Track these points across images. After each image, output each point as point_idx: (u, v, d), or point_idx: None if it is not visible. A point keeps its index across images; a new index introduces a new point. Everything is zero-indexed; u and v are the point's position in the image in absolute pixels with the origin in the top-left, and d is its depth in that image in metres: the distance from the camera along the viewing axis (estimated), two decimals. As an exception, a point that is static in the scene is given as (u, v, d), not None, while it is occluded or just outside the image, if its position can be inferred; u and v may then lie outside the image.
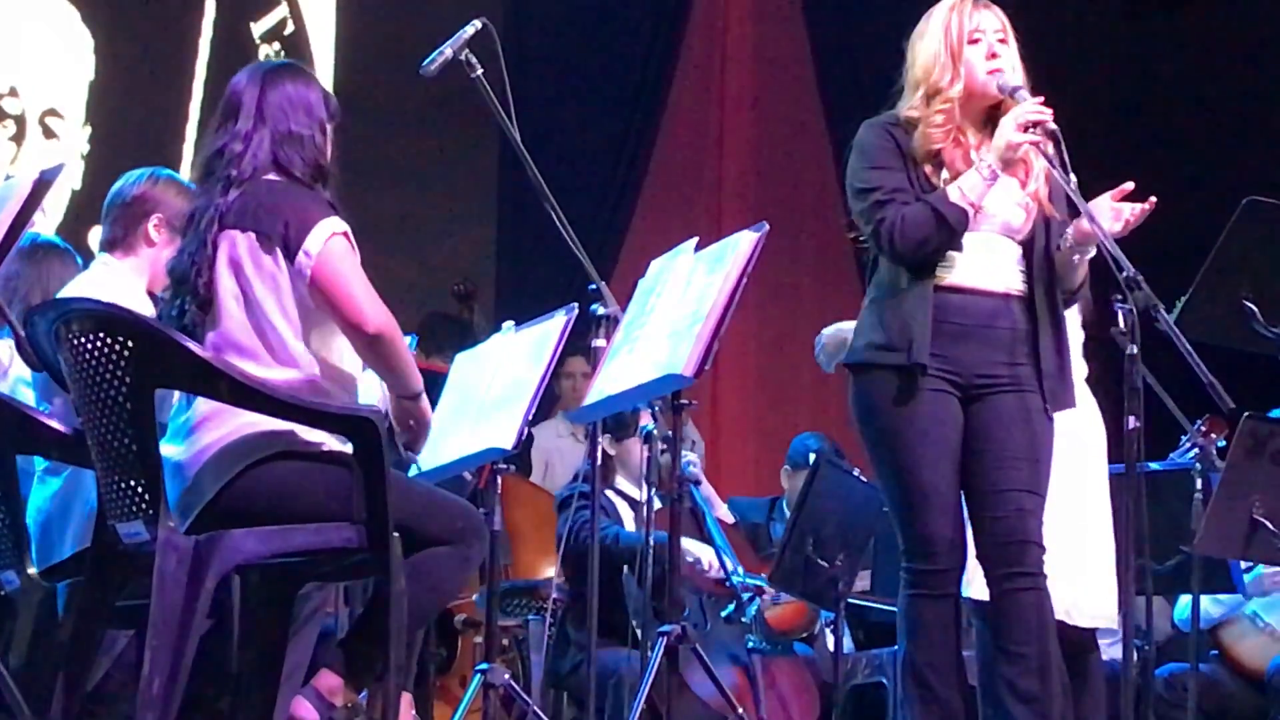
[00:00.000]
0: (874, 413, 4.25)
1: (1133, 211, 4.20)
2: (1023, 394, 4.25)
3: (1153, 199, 4.20)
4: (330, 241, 3.75)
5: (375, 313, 3.75)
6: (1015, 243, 4.29)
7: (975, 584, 4.36)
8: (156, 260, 4.43)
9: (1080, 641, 4.72)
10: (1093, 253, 4.27)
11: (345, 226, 3.79)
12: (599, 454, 5.06)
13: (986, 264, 4.26)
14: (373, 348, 3.79)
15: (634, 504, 6.47)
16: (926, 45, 4.29)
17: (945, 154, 4.26)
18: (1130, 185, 4.20)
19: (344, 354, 3.85)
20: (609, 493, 6.18)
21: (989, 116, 4.31)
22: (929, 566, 4.21)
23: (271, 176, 3.85)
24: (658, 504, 5.31)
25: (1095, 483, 4.84)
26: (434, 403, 4.80)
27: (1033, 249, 4.29)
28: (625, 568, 6.21)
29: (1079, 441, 4.67)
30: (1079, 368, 4.72)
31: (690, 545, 6.10)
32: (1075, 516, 4.66)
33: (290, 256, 3.74)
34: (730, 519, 6.88)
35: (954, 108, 4.26)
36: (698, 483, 6.46)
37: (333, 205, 3.83)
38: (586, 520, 5.91)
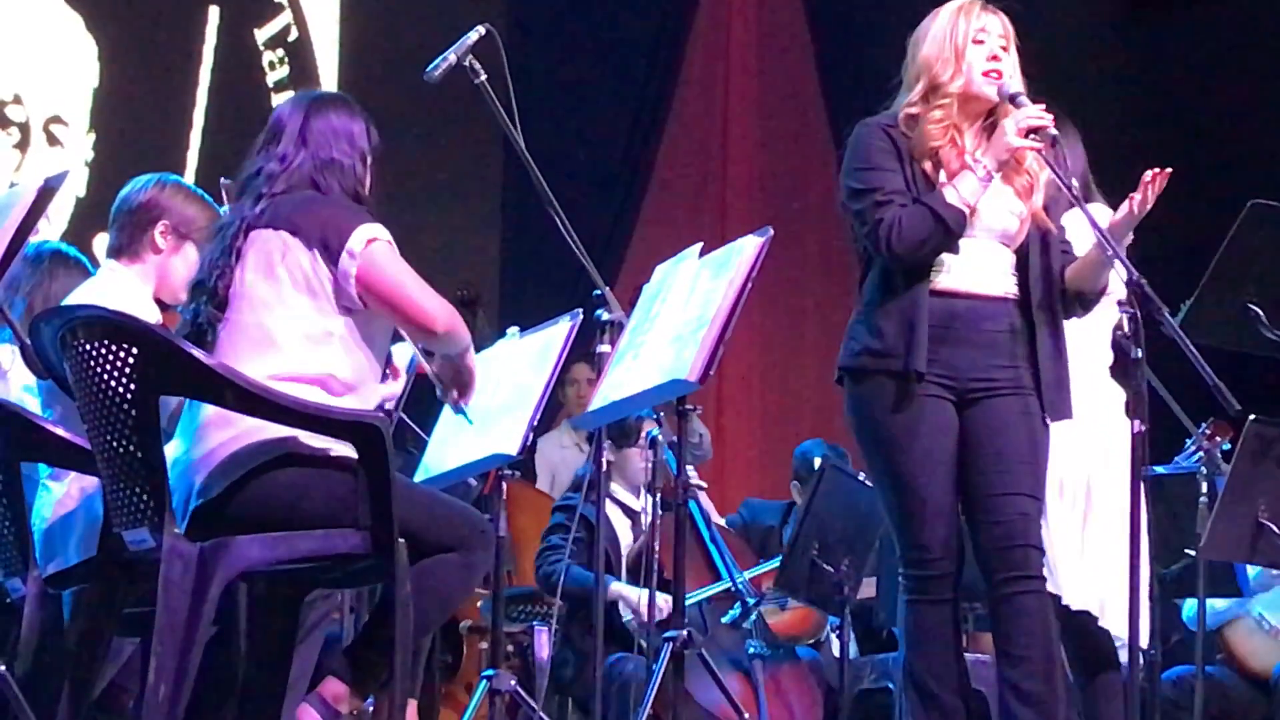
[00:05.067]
0: (870, 419, 4.26)
1: (1142, 193, 4.21)
2: (1020, 397, 4.25)
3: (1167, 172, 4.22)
4: (373, 246, 3.78)
5: (439, 310, 3.81)
6: (1009, 250, 4.30)
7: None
8: (163, 267, 4.42)
9: (1102, 644, 4.72)
10: (1122, 249, 4.26)
11: (387, 234, 3.82)
12: (603, 461, 5.06)
13: (980, 268, 4.26)
14: (440, 342, 3.87)
15: (629, 512, 6.47)
16: (930, 40, 4.30)
17: (942, 154, 4.27)
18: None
19: (367, 359, 3.86)
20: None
21: (986, 120, 4.32)
22: (926, 572, 4.22)
23: (308, 194, 3.87)
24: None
25: (1121, 484, 4.87)
26: (436, 411, 4.82)
27: (1027, 257, 4.30)
28: (621, 576, 6.22)
29: (1108, 442, 4.68)
30: (1103, 368, 4.75)
31: (622, 589, 6.16)
32: (1106, 517, 4.67)
33: (333, 259, 3.76)
34: (723, 523, 6.87)
35: (953, 104, 4.26)
36: (702, 487, 6.47)
37: (371, 213, 3.87)
38: (553, 556, 6.12)
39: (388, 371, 4.64)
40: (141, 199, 4.45)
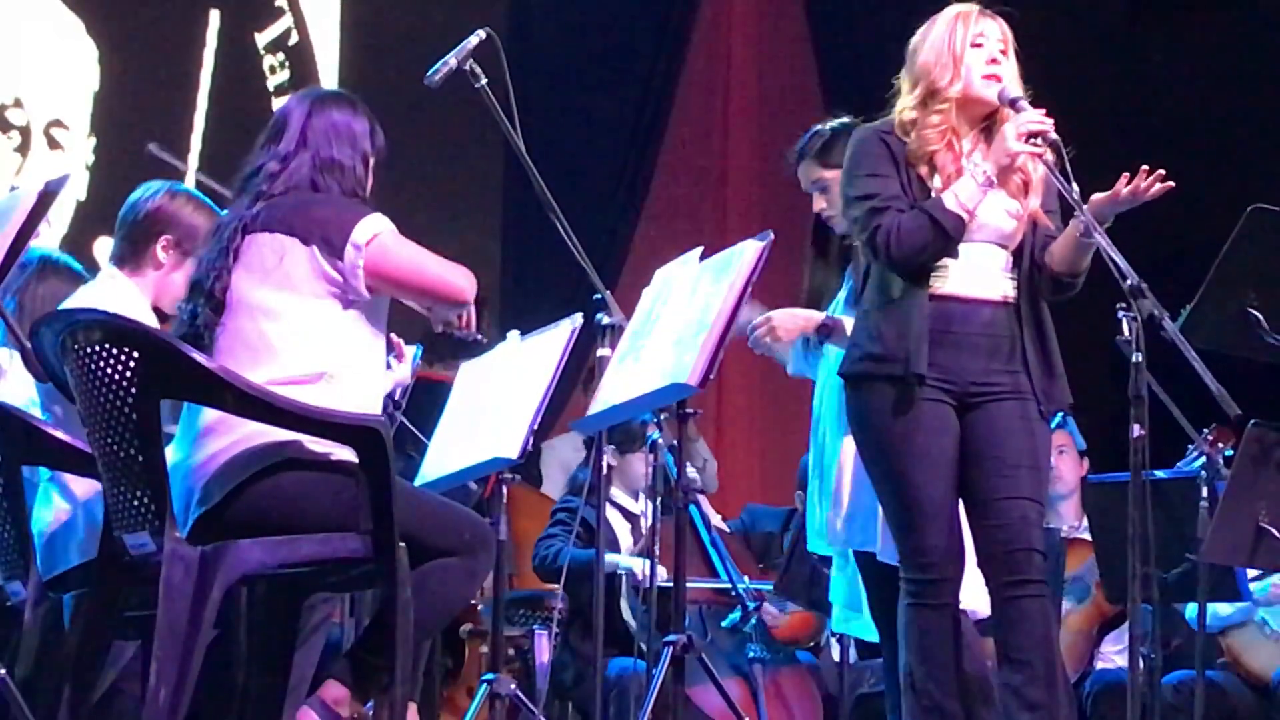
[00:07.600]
0: (870, 424, 4.26)
1: (1135, 183, 4.17)
2: (1020, 401, 4.26)
3: (1162, 174, 4.18)
4: (380, 238, 3.78)
5: (464, 281, 3.88)
6: (1006, 251, 4.30)
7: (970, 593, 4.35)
8: (162, 281, 4.39)
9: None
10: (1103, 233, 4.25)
11: (389, 223, 3.83)
12: (604, 465, 5.07)
13: (979, 272, 4.27)
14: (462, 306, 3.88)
15: (629, 516, 6.48)
16: (929, 46, 4.31)
17: (938, 158, 4.27)
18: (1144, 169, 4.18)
19: (370, 350, 3.86)
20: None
21: (984, 124, 4.32)
22: (927, 576, 4.22)
23: (304, 194, 3.86)
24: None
25: None
26: (438, 413, 4.82)
27: (1021, 256, 4.30)
28: (623, 581, 6.23)
29: None
30: None
31: (618, 559, 6.17)
32: None
33: (337, 254, 3.75)
34: (725, 528, 6.88)
35: (951, 109, 4.27)
36: (702, 490, 6.47)
37: (370, 206, 3.87)
38: (551, 542, 6.14)
39: (391, 359, 4.66)
40: (149, 207, 4.41)
